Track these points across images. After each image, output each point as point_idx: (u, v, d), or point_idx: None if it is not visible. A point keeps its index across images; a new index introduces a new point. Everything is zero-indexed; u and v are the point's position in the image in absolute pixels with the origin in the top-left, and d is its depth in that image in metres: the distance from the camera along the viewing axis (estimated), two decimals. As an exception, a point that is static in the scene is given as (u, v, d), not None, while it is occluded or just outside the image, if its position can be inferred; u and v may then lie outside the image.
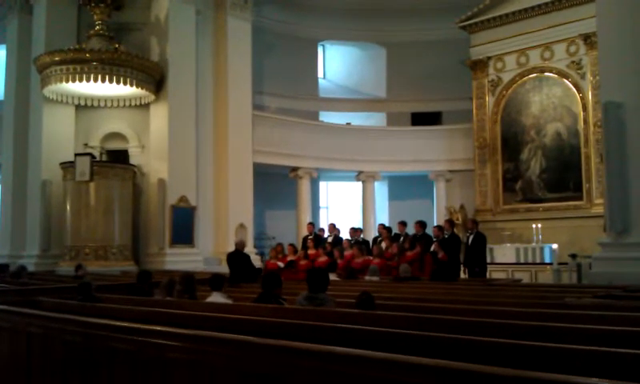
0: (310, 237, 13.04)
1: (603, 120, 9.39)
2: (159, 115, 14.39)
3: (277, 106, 18.26)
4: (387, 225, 13.82)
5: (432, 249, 10.87)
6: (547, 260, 14.23)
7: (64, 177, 13.59)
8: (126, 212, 13.74)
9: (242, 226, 15.26)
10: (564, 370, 2.44)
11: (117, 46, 13.41)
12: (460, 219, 15.85)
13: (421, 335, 3.37)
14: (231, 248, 11.42)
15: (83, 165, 12.96)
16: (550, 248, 14.40)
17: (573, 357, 2.76)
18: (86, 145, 14.07)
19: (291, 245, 12.08)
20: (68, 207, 13.42)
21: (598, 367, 2.62)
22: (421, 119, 19.47)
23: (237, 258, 10.46)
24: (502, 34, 16.74)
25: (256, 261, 12.80)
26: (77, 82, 12.95)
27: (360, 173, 18.35)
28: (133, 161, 14.49)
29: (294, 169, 17.37)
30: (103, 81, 12.92)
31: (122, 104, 14.41)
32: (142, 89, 13.62)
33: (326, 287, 5.53)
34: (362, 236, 13.90)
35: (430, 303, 5.63)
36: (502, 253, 14.68)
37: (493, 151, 16.88)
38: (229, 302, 6.12)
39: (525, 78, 16.57)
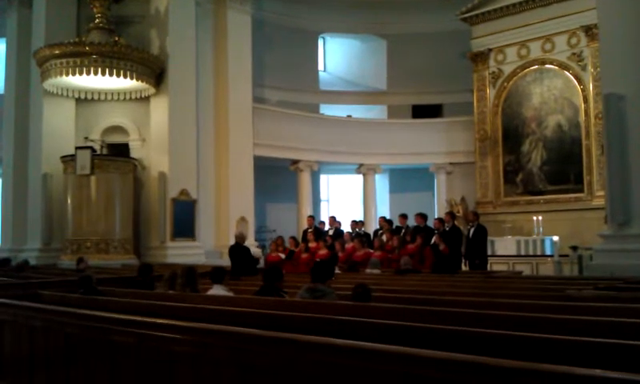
0: (310, 230, 13.04)
1: (604, 112, 9.38)
2: (159, 108, 14.37)
3: (277, 99, 18.22)
4: (388, 217, 13.84)
5: (433, 241, 10.87)
6: (548, 252, 14.24)
7: (65, 170, 13.58)
8: (127, 205, 13.74)
9: (242, 219, 15.26)
10: (566, 362, 2.44)
11: (117, 38, 13.38)
12: (461, 212, 15.85)
13: (421, 327, 3.38)
14: (232, 241, 11.43)
15: (84, 158, 12.95)
16: (551, 240, 14.40)
17: (574, 348, 2.76)
18: (86, 138, 14.06)
19: (292, 237, 12.11)
20: (69, 201, 13.42)
21: (600, 358, 2.63)
22: (421, 112, 19.44)
23: (237, 251, 10.48)
24: (503, 25, 16.69)
25: (257, 253, 12.82)
26: (77, 75, 12.92)
27: (361, 165, 18.34)
28: (133, 154, 14.48)
29: (295, 162, 17.35)
30: (103, 74, 12.89)
31: (122, 97, 14.39)
32: (142, 82, 13.61)
33: (327, 278, 5.53)
34: (362, 229, 13.91)
35: (431, 295, 5.64)
36: (503, 245, 14.68)
37: (494, 143, 16.86)
38: (230, 294, 6.13)
39: (526, 70, 16.53)
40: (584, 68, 15.50)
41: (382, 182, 19.59)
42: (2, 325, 5.86)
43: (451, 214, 12.25)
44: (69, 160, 13.34)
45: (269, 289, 5.67)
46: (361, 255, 10.65)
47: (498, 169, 16.79)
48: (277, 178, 17.78)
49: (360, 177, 18.68)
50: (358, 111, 19.47)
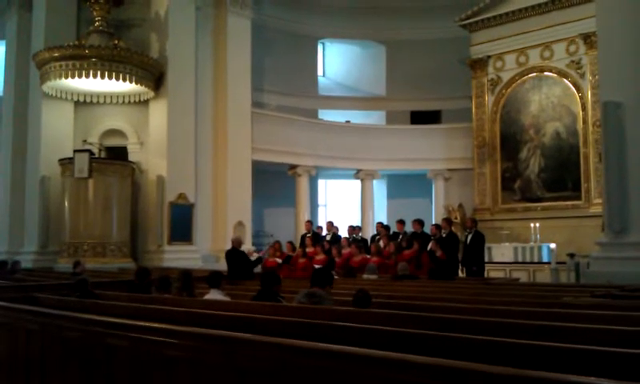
0: (308, 234, 13.03)
1: (602, 120, 9.41)
2: (158, 112, 14.38)
3: (276, 104, 18.23)
4: (386, 223, 13.83)
5: (429, 247, 10.86)
6: (545, 259, 14.23)
7: (63, 173, 13.58)
8: (125, 209, 13.73)
9: (240, 224, 15.25)
10: (562, 369, 2.44)
11: (116, 42, 13.39)
12: (458, 218, 15.85)
13: (418, 333, 3.38)
14: (229, 245, 11.43)
15: (82, 161, 12.94)
16: (548, 247, 14.40)
17: (570, 356, 2.76)
18: (84, 141, 14.06)
19: (290, 242, 12.09)
20: (66, 204, 13.41)
21: (596, 366, 2.63)
22: (420, 118, 19.45)
23: (234, 255, 10.47)
24: (502, 33, 16.73)
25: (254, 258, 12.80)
26: (76, 78, 12.93)
27: (359, 171, 18.35)
28: (132, 158, 14.47)
29: (293, 166, 17.34)
30: (102, 77, 12.91)
31: (121, 100, 14.38)
32: (141, 85, 13.62)
33: (325, 284, 5.53)
34: (360, 234, 13.90)
35: (428, 301, 5.63)
36: (500, 252, 14.67)
37: (492, 150, 16.87)
38: (227, 299, 6.12)
39: (524, 78, 16.56)
40: (582, 76, 15.54)
41: (379, 188, 19.60)
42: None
43: (448, 221, 12.23)
44: (67, 163, 13.33)
45: (266, 293, 5.67)
46: (358, 261, 10.65)
47: (495, 175, 16.81)
48: (275, 182, 17.76)
49: (358, 182, 18.68)
50: (356, 117, 19.48)
